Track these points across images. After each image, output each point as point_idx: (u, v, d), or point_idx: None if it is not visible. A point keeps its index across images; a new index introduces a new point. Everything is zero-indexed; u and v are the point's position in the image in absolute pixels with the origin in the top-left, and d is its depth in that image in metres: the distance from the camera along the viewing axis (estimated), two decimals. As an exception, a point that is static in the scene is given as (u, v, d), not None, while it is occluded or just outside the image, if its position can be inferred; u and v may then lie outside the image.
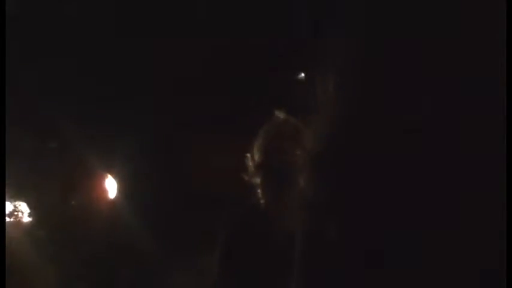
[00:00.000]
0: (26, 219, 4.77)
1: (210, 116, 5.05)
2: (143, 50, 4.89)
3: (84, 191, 4.88)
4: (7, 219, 4.66)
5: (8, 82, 2.31)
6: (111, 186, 4.92)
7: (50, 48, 4.70)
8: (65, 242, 4.65)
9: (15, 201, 4.73)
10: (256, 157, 1.77)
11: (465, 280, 0.99)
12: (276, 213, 1.55)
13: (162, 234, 4.64)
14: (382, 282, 0.99)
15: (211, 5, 4.73)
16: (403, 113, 1.02)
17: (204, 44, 4.88)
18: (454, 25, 1.01)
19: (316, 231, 1.06)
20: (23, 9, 4.50)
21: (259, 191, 1.74)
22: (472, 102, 1.00)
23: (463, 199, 1.00)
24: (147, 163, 4.95)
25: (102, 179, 4.90)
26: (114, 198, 4.90)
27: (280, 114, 1.74)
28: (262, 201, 1.74)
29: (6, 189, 4.16)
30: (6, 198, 4.58)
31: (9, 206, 4.70)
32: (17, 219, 4.74)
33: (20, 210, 4.76)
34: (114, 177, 4.89)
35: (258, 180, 1.74)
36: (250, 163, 1.77)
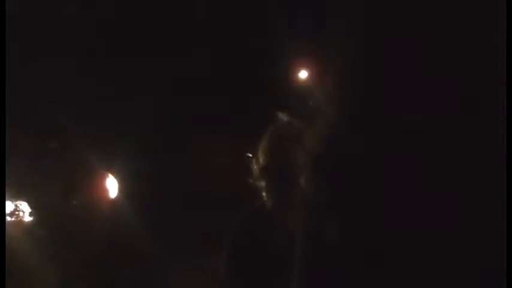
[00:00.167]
0: (27, 218, 4.78)
1: (211, 116, 5.06)
2: (143, 50, 4.90)
3: (85, 190, 4.88)
4: (8, 218, 4.66)
5: (8, 82, 2.31)
6: (112, 186, 4.92)
7: (50, 48, 4.70)
8: (66, 241, 4.65)
9: (16, 200, 4.74)
10: (261, 160, 1.77)
11: (465, 280, 0.99)
12: (281, 215, 1.55)
13: (162, 234, 4.64)
14: (382, 282, 1.00)
15: (212, 5, 4.74)
16: (403, 113, 1.02)
17: (204, 44, 4.89)
18: (454, 25, 1.01)
19: (316, 231, 1.06)
20: (23, 9, 4.50)
21: (264, 193, 1.74)
22: (472, 102, 1.00)
23: (463, 199, 1.00)
24: (148, 163, 4.95)
25: (103, 179, 4.90)
26: (115, 198, 4.91)
27: (283, 117, 1.74)
28: (267, 203, 1.73)
29: (7, 189, 4.16)
30: (7, 198, 4.58)
31: (10, 206, 4.71)
32: (18, 219, 4.74)
33: (21, 210, 4.76)
34: (115, 177, 4.89)
35: (262, 183, 1.73)
36: (255, 166, 1.77)
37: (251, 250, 1.76)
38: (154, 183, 4.94)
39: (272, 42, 4.60)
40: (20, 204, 4.77)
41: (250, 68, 4.85)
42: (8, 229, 4.47)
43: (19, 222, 4.73)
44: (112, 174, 4.94)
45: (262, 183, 1.75)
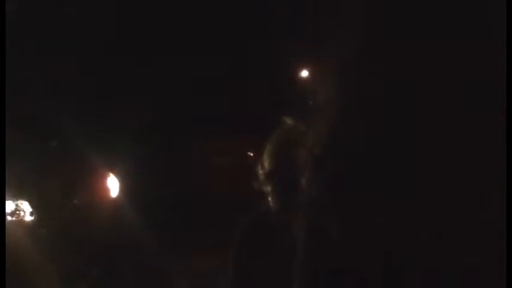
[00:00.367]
0: (28, 218, 4.78)
1: (212, 116, 5.05)
2: (144, 50, 4.89)
3: (86, 189, 4.88)
4: (9, 218, 4.66)
5: (8, 82, 2.31)
6: (113, 185, 4.92)
7: (50, 48, 4.70)
8: (67, 240, 4.65)
9: (17, 200, 4.74)
10: (266, 164, 1.76)
11: (466, 280, 0.99)
12: (286, 219, 1.55)
13: (163, 234, 4.64)
14: (384, 283, 1.00)
15: (212, 5, 4.73)
16: (403, 113, 1.02)
17: (205, 44, 4.88)
18: (454, 25, 1.01)
19: (317, 231, 1.06)
20: (23, 9, 4.50)
21: (269, 198, 1.74)
22: (472, 102, 1.00)
23: (463, 199, 1.00)
24: (149, 162, 4.95)
25: (104, 178, 4.90)
26: (116, 197, 4.90)
27: (288, 121, 1.73)
28: (272, 207, 1.73)
29: (8, 188, 4.16)
30: (8, 197, 4.58)
31: (11, 205, 4.71)
32: (19, 218, 4.74)
33: (22, 209, 4.76)
34: (116, 176, 4.89)
35: (268, 188, 1.73)
36: (261, 171, 1.76)
37: (257, 253, 1.76)
38: (155, 182, 4.93)
39: (272, 42, 4.60)
40: (21, 204, 4.77)
41: (252, 68, 4.85)
42: (9, 228, 4.47)
43: (20, 222, 4.74)
44: (113, 173, 4.95)
45: (268, 188, 1.75)
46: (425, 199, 0.96)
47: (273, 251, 1.64)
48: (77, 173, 4.81)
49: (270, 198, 1.73)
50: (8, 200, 4.56)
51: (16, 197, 4.68)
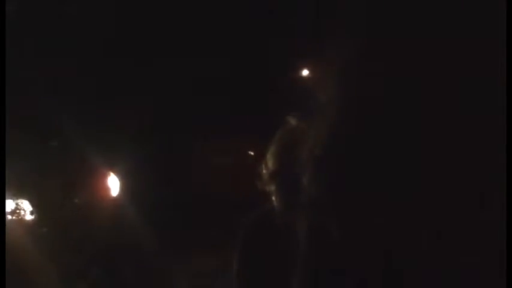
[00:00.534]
0: (28, 217, 4.78)
1: (211, 116, 5.05)
2: (144, 50, 4.89)
3: (86, 189, 4.88)
4: (9, 217, 4.66)
5: (9, 82, 2.31)
6: (113, 184, 4.92)
7: (50, 48, 4.70)
8: (67, 239, 4.65)
9: (17, 199, 4.74)
10: (270, 164, 1.76)
11: (466, 280, 0.99)
12: (290, 218, 1.55)
13: (164, 233, 4.64)
14: (384, 283, 1.00)
15: (213, 5, 4.73)
16: (403, 113, 1.02)
17: (205, 44, 4.88)
18: (454, 25, 1.01)
19: (318, 231, 1.06)
20: (23, 9, 4.50)
21: (273, 197, 1.74)
22: (472, 102, 1.00)
23: (463, 199, 1.00)
24: (149, 162, 4.95)
25: (104, 177, 4.90)
26: (116, 196, 4.90)
27: (292, 120, 1.73)
28: (276, 206, 1.74)
29: (8, 188, 4.16)
30: (9, 197, 4.58)
31: (11, 204, 4.71)
32: (19, 217, 4.74)
33: (22, 208, 4.76)
34: (117, 175, 4.89)
35: (272, 187, 1.73)
36: (264, 170, 1.76)
37: (261, 253, 1.76)
38: (156, 182, 4.93)
39: (272, 42, 4.60)
40: (21, 203, 4.77)
41: (252, 68, 4.85)
42: (9, 228, 4.47)
43: (20, 221, 4.74)
44: (113, 172, 4.94)
45: (272, 187, 1.75)
46: (425, 199, 0.96)
47: (276, 251, 1.64)
48: (77, 173, 4.81)
49: (273, 198, 1.73)
50: (8, 199, 4.56)
51: (16, 196, 4.68)
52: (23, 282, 3.98)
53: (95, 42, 4.72)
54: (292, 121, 1.72)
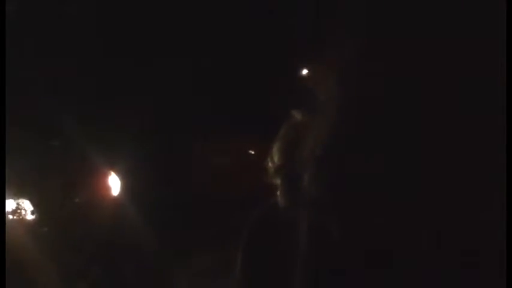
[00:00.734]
0: (29, 216, 4.78)
1: (211, 116, 5.06)
2: (145, 49, 4.90)
3: (87, 188, 4.89)
4: (10, 216, 4.66)
5: (9, 81, 2.32)
6: (114, 184, 4.92)
7: (51, 47, 4.71)
8: (68, 239, 4.66)
9: (18, 198, 4.74)
10: (276, 158, 1.77)
11: (466, 280, 0.99)
12: (294, 214, 1.56)
13: (163, 233, 4.64)
14: (385, 282, 1.00)
15: (213, 5, 4.74)
16: (403, 112, 1.02)
17: (205, 44, 4.89)
18: (454, 25, 1.01)
19: (318, 231, 1.06)
20: (23, 9, 4.50)
21: (278, 192, 1.75)
22: (472, 102, 1.00)
23: (463, 199, 1.01)
24: (149, 161, 4.95)
25: (105, 177, 4.90)
26: (117, 196, 4.90)
27: (297, 115, 1.74)
28: (280, 202, 1.74)
29: (9, 187, 4.16)
30: (9, 196, 4.59)
31: (12, 204, 4.71)
32: (20, 217, 4.74)
33: (23, 208, 4.76)
34: (117, 175, 4.89)
35: (278, 181, 1.74)
36: (270, 164, 1.77)
37: (265, 251, 1.76)
38: (156, 182, 4.94)
39: (273, 42, 4.60)
40: (22, 202, 4.77)
41: (252, 68, 4.84)
42: (10, 227, 4.47)
43: (21, 221, 4.74)
44: (114, 171, 4.95)
45: (278, 181, 1.76)
46: (425, 199, 0.96)
47: (278, 250, 1.65)
48: (78, 172, 4.82)
49: (278, 193, 1.74)
50: (9, 198, 4.56)
51: (17, 195, 4.68)
52: (23, 282, 3.98)
53: (95, 42, 4.72)
54: (297, 116, 1.72)
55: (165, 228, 4.66)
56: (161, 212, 4.76)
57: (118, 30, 4.84)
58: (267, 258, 1.68)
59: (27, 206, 4.78)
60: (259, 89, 4.88)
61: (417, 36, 1.03)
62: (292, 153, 1.64)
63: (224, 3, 4.78)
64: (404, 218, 1.02)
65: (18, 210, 4.75)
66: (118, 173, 4.93)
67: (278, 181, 1.72)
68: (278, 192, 1.73)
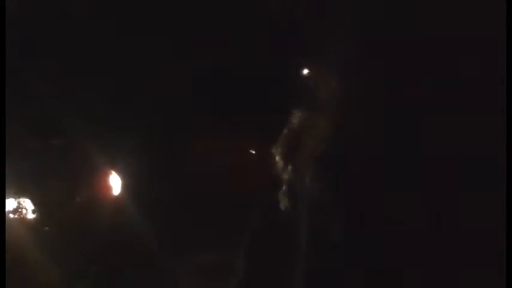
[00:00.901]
0: (30, 215, 4.77)
1: (211, 115, 5.04)
2: (145, 49, 4.88)
3: (88, 187, 4.87)
4: (11, 215, 4.66)
5: (9, 82, 2.31)
6: (115, 183, 4.91)
7: (52, 47, 4.69)
8: (69, 238, 4.65)
9: (19, 198, 4.73)
10: (277, 158, 1.78)
11: (466, 279, 0.99)
12: (297, 211, 1.55)
13: (165, 232, 4.62)
14: (384, 283, 1.00)
15: (214, 6, 4.72)
16: (404, 112, 1.03)
17: (206, 44, 4.87)
18: (454, 25, 1.02)
19: (319, 230, 1.07)
20: (23, 9, 4.49)
21: (284, 187, 1.76)
22: (472, 102, 1.01)
23: (463, 198, 1.01)
24: (150, 161, 4.93)
25: (106, 176, 4.89)
26: (118, 195, 4.88)
27: (301, 113, 1.74)
28: (284, 198, 1.75)
29: (10, 187, 4.15)
30: (11, 195, 4.58)
31: (13, 203, 4.70)
32: (21, 216, 4.74)
33: (24, 207, 4.76)
34: (118, 174, 4.87)
35: (285, 177, 1.75)
36: (277, 158, 1.79)
37: (267, 250, 1.77)
38: (158, 180, 4.93)
39: (273, 42, 4.59)
40: (23, 202, 4.77)
41: (252, 68, 4.83)
42: (11, 226, 4.47)
43: (22, 220, 4.73)
44: (115, 171, 4.94)
45: (285, 176, 1.77)
46: (426, 199, 0.96)
47: (279, 249, 1.65)
48: (79, 172, 4.81)
49: (284, 188, 1.74)
50: (10, 198, 4.56)
51: (18, 194, 4.68)
52: (24, 280, 3.99)
53: (96, 41, 4.71)
54: (300, 115, 1.73)
55: (165, 228, 4.65)
56: (161, 212, 4.75)
57: (119, 30, 4.83)
58: (268, 258, 1.68)
59: (28, 205, 4.78)
60: (260, 88, 4.87)
61: (417, 36, 1.03)
62: (293, 154, 1.65)
63: (224, 3, 4.77)
64: (404, 218, 1.02)
65: (19, 210, 4.75)
66: (118, 172, 4.93)
67: (285, 176, 1.73)
68: (278, 192, 1.73)
